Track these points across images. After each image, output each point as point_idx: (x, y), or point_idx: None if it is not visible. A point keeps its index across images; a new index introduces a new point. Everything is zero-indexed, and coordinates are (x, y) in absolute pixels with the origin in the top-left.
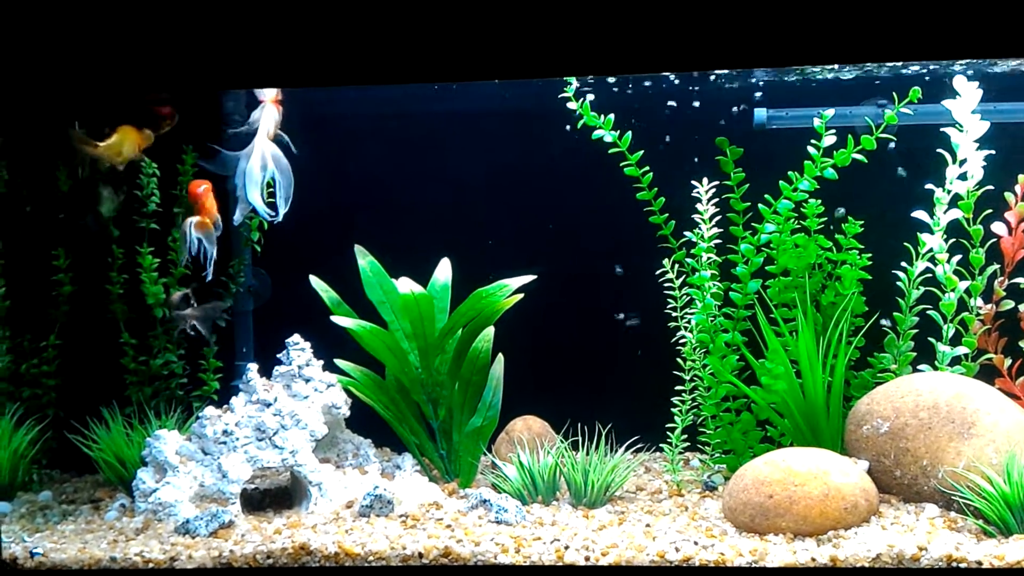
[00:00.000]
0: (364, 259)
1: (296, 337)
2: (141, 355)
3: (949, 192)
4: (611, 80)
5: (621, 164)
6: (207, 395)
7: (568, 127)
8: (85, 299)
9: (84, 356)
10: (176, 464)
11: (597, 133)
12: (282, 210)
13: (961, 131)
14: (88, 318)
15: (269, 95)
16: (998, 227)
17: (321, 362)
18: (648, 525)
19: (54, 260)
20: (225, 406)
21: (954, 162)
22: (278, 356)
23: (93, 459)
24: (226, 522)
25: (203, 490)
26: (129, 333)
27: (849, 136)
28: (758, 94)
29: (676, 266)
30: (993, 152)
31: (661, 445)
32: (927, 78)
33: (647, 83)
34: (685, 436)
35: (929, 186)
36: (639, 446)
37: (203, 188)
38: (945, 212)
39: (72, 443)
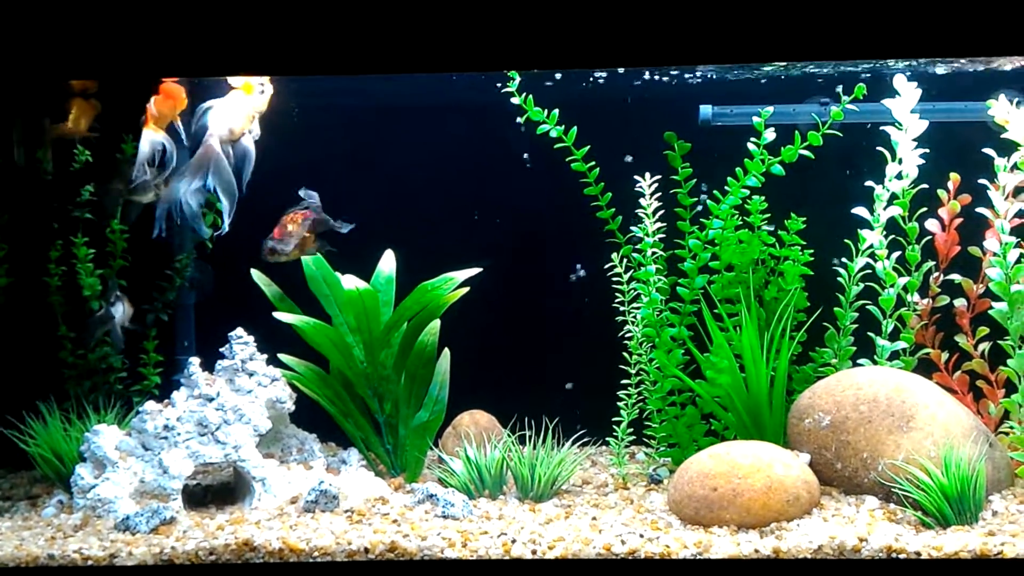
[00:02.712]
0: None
1: (239, 331)
2: (79, 348)
3: (888, 190)
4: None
5: (568, 159)
6: (147, 389)
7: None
8: (21, 291)
9: (20, 349)
10: (115, 460)
11: (542, 127)
12: (226, 223)
13: (900, 129)
14: (24, 310)
15: (236, 84)
16: (932, 224)
17: (265, 356)
18: (594, 518)
19: None
20: (166, 400)
21: (893, 159)
22: (221, 350)
23: (29, 455)
24: (167, 518)
25: (143, 486)
26: (66, 326)
27: (796, 132)
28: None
29: (624, 261)
30: (928, 150)
31: (607, 439)
32: (866, 75)
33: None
34: (631, 430)
35: (869, 183)
36: (585, 440)
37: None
38: (885, 208)
39: (8, 438)
